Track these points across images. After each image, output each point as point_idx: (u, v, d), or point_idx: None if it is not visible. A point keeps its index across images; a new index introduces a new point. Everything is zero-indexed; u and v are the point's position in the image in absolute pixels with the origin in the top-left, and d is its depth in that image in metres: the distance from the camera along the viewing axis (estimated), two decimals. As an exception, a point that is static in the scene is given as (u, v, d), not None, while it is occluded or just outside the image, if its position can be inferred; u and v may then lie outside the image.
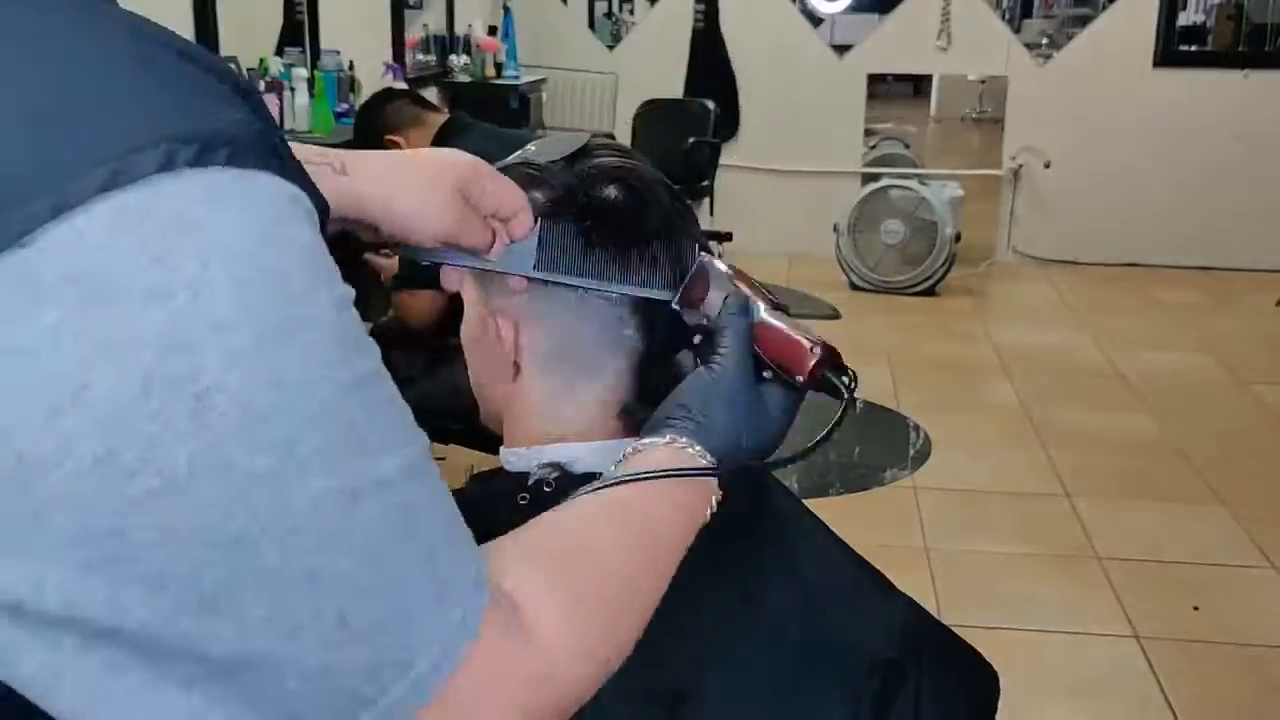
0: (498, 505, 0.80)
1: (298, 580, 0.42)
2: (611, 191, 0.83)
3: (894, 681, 0.85)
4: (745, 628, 0.83)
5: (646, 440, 0.73)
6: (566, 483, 0.80)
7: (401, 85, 4.78)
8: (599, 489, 0.68)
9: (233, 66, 0.64)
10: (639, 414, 0.84)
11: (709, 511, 0.72)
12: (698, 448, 0.72)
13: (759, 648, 0.82)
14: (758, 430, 0.76)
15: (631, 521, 0.67)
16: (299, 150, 0.75)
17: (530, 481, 0.82)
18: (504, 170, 0.81)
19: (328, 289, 0.45)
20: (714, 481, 0.72)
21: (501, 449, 0.89)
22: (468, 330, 0.89)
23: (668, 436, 0.72)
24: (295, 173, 0.47)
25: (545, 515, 0.64)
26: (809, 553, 0.89)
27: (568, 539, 0.62)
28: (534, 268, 0.80)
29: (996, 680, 0.94)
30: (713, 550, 0.84)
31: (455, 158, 0.77)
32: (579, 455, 0.83)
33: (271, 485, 0.41)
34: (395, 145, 2.69)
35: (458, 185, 0.74)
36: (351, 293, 0.47)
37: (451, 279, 0.83)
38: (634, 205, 0.83)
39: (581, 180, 0.83)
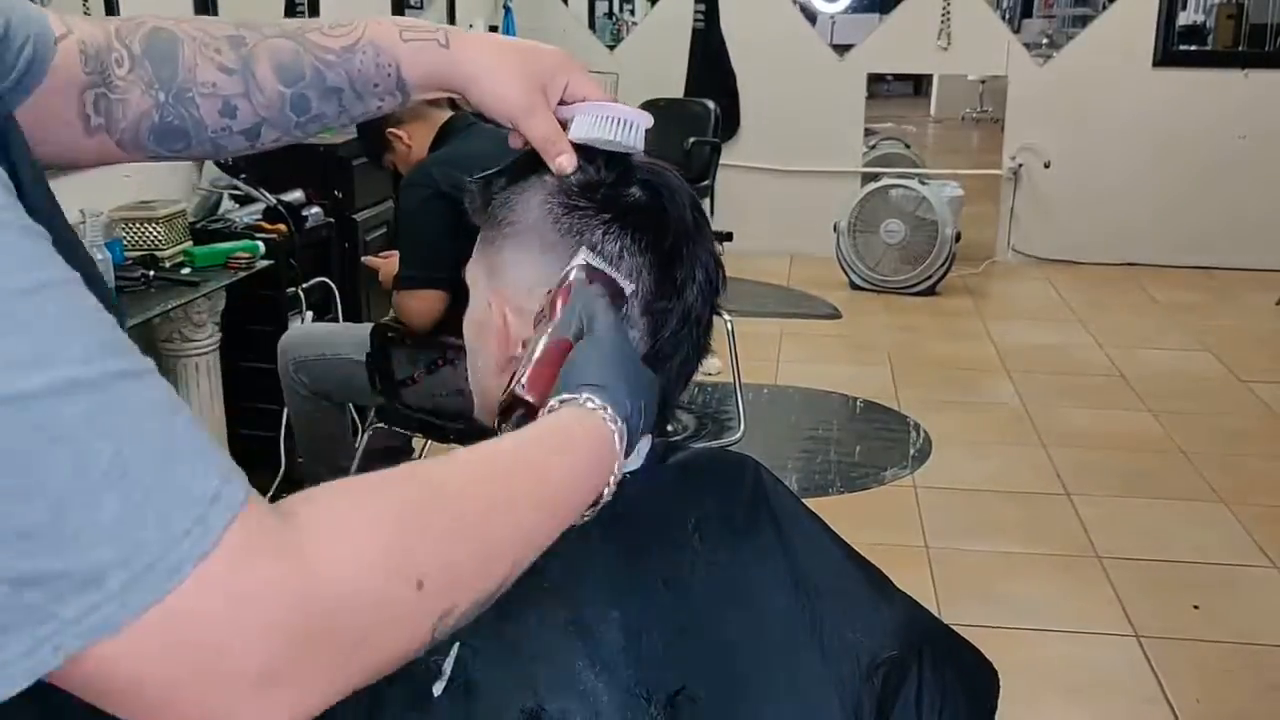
0: None
1: None
2: (637, 190, 0.83)
3: (895, 680, 0.85)
4: (745, 627, 0.83)
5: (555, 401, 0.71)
6: None
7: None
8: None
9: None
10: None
11: (610, 476, 0.70)
12: (609, 410, 0.70)
13: (758, 647, 0.83)
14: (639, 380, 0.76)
15: (497, 464, 0.64)
16: (407, 23, 0.84)
17: None
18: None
19: None
20: (615, 445, 0.70)
21: None
22: (472, 315, 0.88)
23: (583, 396, 0.71)
24: None
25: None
26: (809, 552, 0.89)
27: (401, 472, 0.59)
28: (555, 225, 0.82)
29: (997, 678, 0.95)
30: (712, 549, 0.84)
31: (545, 51, 0.85)
32: None
33: None
34: (397, 138, 2.69)
35: (539, 76, 0.83)
36: (9, 219, 0.47)
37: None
38: (657, 208, 0.83)
39: (616, 175, 0.84)
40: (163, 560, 0.44)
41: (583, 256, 0.80)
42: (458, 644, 0.77)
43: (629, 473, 0.84)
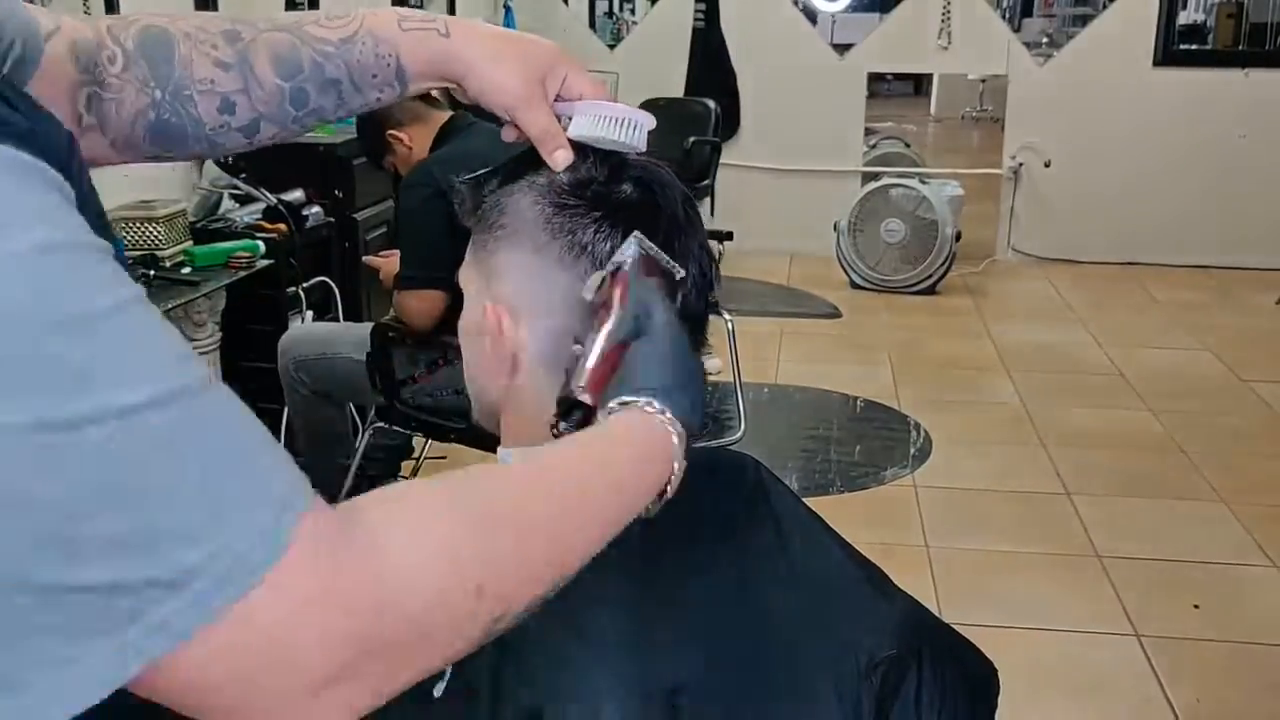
0: None
1: (2, 505, 0.43)
2: (628, 187, 0.83)
3: (895, 678, 0.85)
4: (744, 626, 0.83)
5: (617, 404, 0.71)
6: None
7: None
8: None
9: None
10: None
11: (671, 476, 0.70)
12: (668, 414, 0.70)
13: (758, 646, 0.82)
14: (696, 385, 0.75)
15: (559, 473, 0.65)
16: (406, 13, 0.83)
17: None
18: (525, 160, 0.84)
19: (40, 230, 0.46)
20: (673, 447, 0.70)
21: (499, 449, 0.88)
22: (467, 320, 0.87)
23: (643, 400, 0.70)
24: (17, 140, 0.48)
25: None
26: (809, 551, 0.89)
27: (465, 479, 0.60)
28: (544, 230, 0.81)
29: (997, 677, 0.95)
30: (712, 548, 0.84)
31: (544, 44, 0.85)
32: None
33: None
34: (398, 140, 2.69)
35: (539, 69, 0.82)
36: (85, 239, 0.48)
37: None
38: (649, 205, 0.83)
39: (607, 172, 0.83)
40: (242, 563, 0.46)
41: (634, 244, 0.78)
42: None
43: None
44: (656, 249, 0.79)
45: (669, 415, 0.70)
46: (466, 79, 0.82)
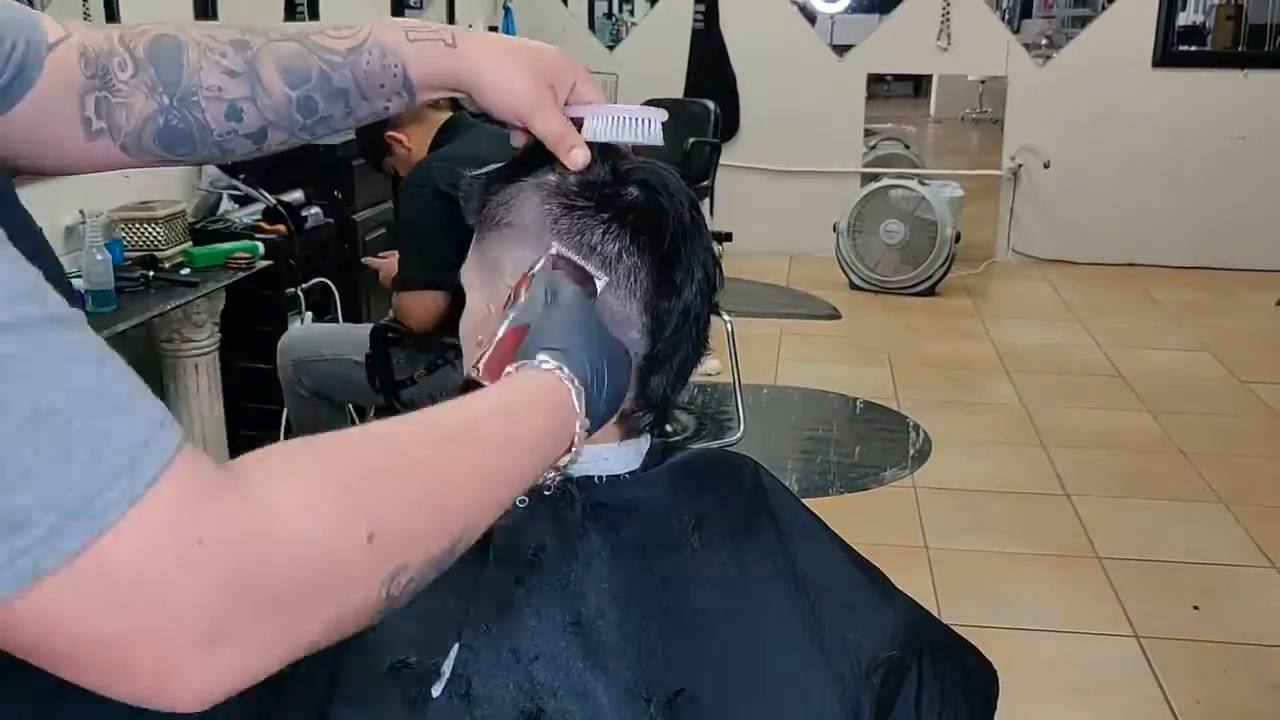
0: None
1: None
2: (634, 190, 0.83)
3: (895, 680, 0.85)
4: (744, 627, 0.83)
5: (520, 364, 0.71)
6: (563, 485, 0.79)
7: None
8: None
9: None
10: (639, 414, 0.84)
11: (575, 435, 0.69)
12: (565, 370, 0.70)
13: (758, 648, 0.82)
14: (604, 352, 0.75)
15: (451, 423, 0.63)
16: (413, 24, 0.84)
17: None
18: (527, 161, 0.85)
19: None
20: (574, 405, 0.69)
21: None
22: (469, 322, 0.87)
23: (539, 359, 0.70)
24: None
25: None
26: (809, 552, 0.89)
27: (354, 431, 0.58)
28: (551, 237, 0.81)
29: (996, 678, 0.95)
30: (711, 550, 0.84)
31: (550, 50, 0.85)
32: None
33: None
34: (397, 142, 2.69)
35: (546, 75, 0.83)
36: None
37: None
38: (656, 208, 0.83)
39: (613, 175, 0.83)
40: (91, 504, 0.43)
41: (554, 247, 0.80)
42: (457, 645, 0.76)
43: (628, 472, 0.84)
44: (574, 252, 0.80)
45: (566, 371, 0.69)
46: (476, 89, 0.83)
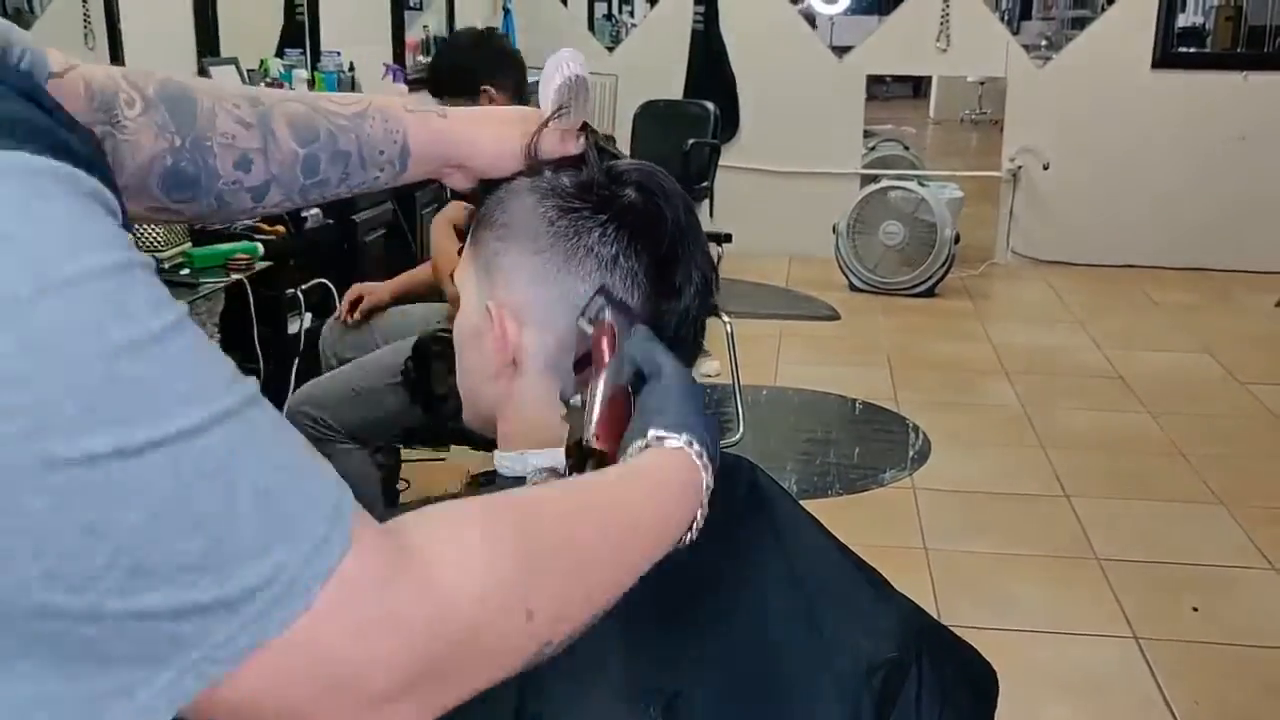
0: None
1: (73, 534, 0.43)
2: (631, 192, 0.83)
3: (895, 681, 0.85)
4: (743, 630, 0.83)
5: (654, 436, 0.73)
6: None
7: (402, 87, 4.79)
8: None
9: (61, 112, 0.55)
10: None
11: (699, 511, 0.72)
12: (694, 446, 0.72)
13: (757, 649, 0.82)
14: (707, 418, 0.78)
15: (598, 498, 0.67)
16: (407, 98, 0.89)
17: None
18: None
19: (92, 255, 0.46)
20: (703, 483, 0.72)
21: (496, 453, 0.88)
22: (465, 323, 0.87)
23: (684, 438, 0.72)
24: (88, 164, 0.49)
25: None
26: (806, 553, 0.89)
27: (513, 502, 0.62)
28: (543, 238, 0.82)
29: (996, 678, 0.95)
30: (712, 552, 0.84)
31: (524, 112, 0.89)
32: None
33: (28, 445, 0.42)
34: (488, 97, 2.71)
35: (525, 121, 0.87)
36: (134, 258, 0.49)
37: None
38: (653, 210, 0.83)
39: (608, 176, 0.84)
40: (300, 578, 0.46)
41: (603, 295, 0.81)
42: None
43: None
44: (623, 294, 0.82)
45: (695, 448, 0.72)
46: (470, 154, 0.88)
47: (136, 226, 2.90)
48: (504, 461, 0.87)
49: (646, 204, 0.83)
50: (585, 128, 0.87)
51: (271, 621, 0.46)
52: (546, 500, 0.64)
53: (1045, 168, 6.29)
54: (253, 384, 0.49)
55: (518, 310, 0.83)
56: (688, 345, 0.86)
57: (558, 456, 0.82)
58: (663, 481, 0.71)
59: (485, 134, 0.87)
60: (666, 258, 0.83)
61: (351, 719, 0.49)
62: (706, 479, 0.72)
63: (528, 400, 0.85)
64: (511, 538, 0.57)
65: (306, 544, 0.47)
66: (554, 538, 0.60)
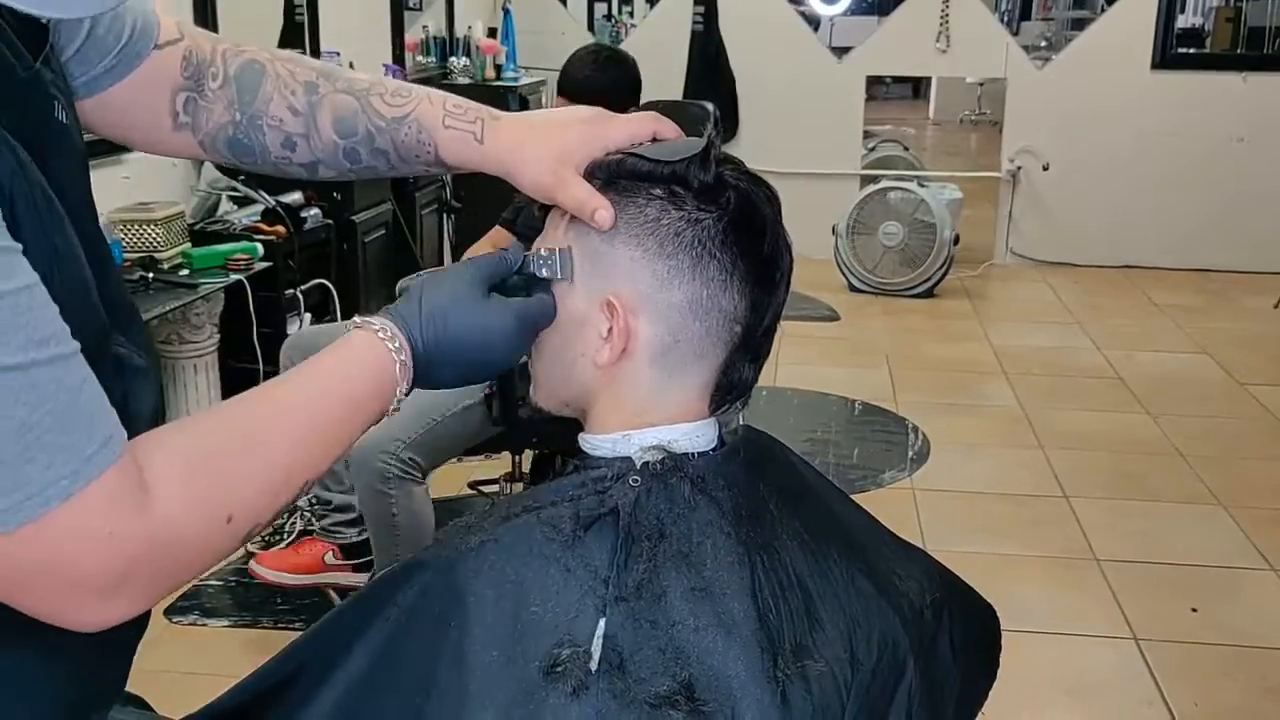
0: (613, 491, 0.85)
1: None
2: (737, 198, 0.89)
3: (935, 620, 0.94)
4: (827, 582, 0.88)
5: (360, 321, 0.83)
6: (671, 463, 0.86)
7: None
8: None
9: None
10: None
11: (397, 386, 0.82)
12: (400, 338, 0.81)
13: (840, 598, 0.88)
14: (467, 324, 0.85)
15: (283, 395, 0.79)
16: (453, 106, 0.94)
17: (638, 465, 0.86)
18: (640, 169, 0.89)
19: None
20: (395, 369, 0.81)
21: (583, 434, 0.92)
22: (572, 308, 0.89)
23: (377, 324, 0.82)
24: None
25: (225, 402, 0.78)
26: (844, 515, 0.98)
27: (218, 421, 0.76)
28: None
29: (998, 619, 1.07)
30: (787, 517, 0.91)
31: (572, 125, 0.93)
32: (675, 437, 0.89)
33: None
34: None
35: (564, 155, 0.90)
36: None
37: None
38: (760, 215, 0.90)
39: (726, 184, 0.89)
40: (40, 494, 0.62)
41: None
42: (603, 621, 0.79)
43: (711, 449, 0.91)
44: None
45: (379, 330, 0.81)
46: (506, 177, 0.93)
47: (135, 227, 2.90)
48: (596, 443, 0.90)
49: (755, 211, 0.90)
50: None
51: (10, 517, 0.61)
52: (244, 404, 0.77)
53: (1045, 168, 6.29)
54: (56, 349, 0.62)
55: (636, 303, 0.87)
56: (772, 333, 0.93)
57: (659, 435, 0.88)
58: (352, 358, 0.80)
59: (515, 161, 0.91)
60: (770, 257, 0.90)
61: (78, 601, 0.65)
62: (398, 372, 0.81)
63: (627, 385, 0.89)
64: (216, 459, 0.71)
65: (56, 472, 0.62)
66: (249, 438, 0.73)
